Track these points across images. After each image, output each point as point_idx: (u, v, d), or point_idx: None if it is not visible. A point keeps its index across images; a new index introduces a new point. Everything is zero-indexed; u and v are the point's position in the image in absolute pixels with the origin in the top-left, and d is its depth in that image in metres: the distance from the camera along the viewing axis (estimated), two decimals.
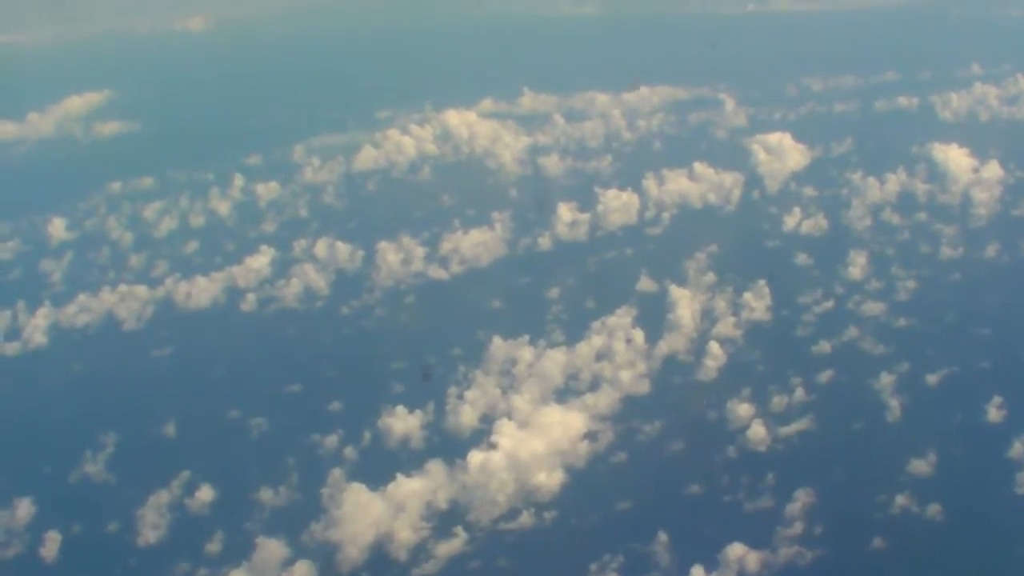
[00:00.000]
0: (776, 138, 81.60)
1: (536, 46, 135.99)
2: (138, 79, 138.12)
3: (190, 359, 57.11)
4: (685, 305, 55.87)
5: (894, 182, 73.22)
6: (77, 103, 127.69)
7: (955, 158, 74.43)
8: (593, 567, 37.02)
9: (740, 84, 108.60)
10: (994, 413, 43.58)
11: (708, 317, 55.82)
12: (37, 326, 61.88)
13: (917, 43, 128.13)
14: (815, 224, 68.52)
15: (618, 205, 73.17)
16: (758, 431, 44.30)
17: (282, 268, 68.14)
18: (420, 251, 68.69)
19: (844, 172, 77.72)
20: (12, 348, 60.37)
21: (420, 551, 38.58)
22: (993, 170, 72.96)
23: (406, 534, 39.10)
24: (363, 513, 39.65)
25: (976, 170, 73.28)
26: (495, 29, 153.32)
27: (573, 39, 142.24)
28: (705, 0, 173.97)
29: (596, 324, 54.40)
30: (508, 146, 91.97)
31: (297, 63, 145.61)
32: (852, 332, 53.12)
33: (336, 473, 43.31)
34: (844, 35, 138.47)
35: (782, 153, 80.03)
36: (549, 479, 41.68)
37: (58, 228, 79.82)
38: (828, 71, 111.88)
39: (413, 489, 40.71)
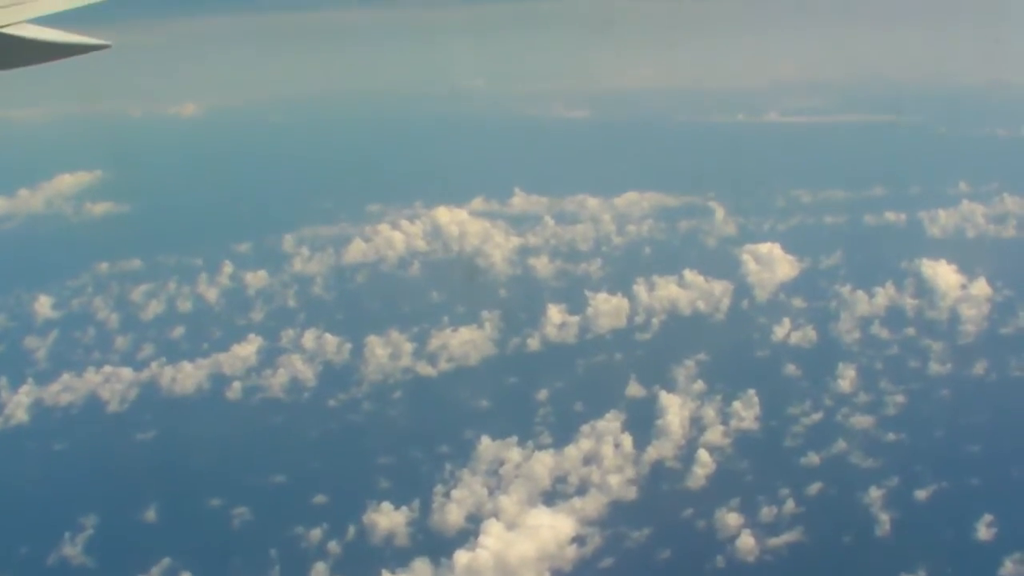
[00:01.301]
0: (766, 248, 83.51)
1: (528, 148, 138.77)
2: (130, 161, 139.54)
3: (174, 444, 57.23)
4: (674, 412, 56.76)
5: (883, 296, 74.93)
6: (68, 182, 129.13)
7: (943, 274, 76.37)
8: None
9: (730, 193, 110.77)
10: (984, 531, 44.23)
11: (697, 425, 56.64)
12: (19, 403, 62.06)
13: (905, 159, 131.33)
14: (804, 335, 69.86)
15: (608, 309, 74.45)
16: (747, 541, 44.76)
17: (269, 357, 68.75)
18: (408, 347, 69.50)
19: (833, 284, 79.36)
20: None
21: None
22: (981, 287, 74.79)
23: None
24: None
25: (964, 287, 75.14)
26: (487, 129, 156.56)
27: (564, 142, 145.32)
28: (695, 109, 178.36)
29: (585, 427, 55.11)
30: (498, 246, 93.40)
31: (289, 153, 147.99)
32: (841, 445, 53.96)
33: (319, 568, 43.46)
34: (833, 149, 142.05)
35: (772, 263, 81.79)
36: None
37: (44, 306, 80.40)
38: (817, 184, 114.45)
39: None
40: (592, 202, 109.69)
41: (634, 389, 61.02)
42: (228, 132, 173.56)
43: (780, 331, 70.49)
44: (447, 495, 49.01)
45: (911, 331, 70.29)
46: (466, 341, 70.40)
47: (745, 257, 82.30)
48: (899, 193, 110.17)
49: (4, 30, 9.17)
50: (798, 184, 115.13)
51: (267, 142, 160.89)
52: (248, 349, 69.47)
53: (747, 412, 57.27)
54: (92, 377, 65.77)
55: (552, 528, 45.30)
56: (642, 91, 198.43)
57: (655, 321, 73.96)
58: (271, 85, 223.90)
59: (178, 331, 76.19)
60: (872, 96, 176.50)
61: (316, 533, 46.12)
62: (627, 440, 53.48)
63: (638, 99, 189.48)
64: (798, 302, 76.46)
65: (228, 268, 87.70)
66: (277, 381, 65.63)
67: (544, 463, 51.58)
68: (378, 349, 68.83)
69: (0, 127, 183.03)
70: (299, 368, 67.14)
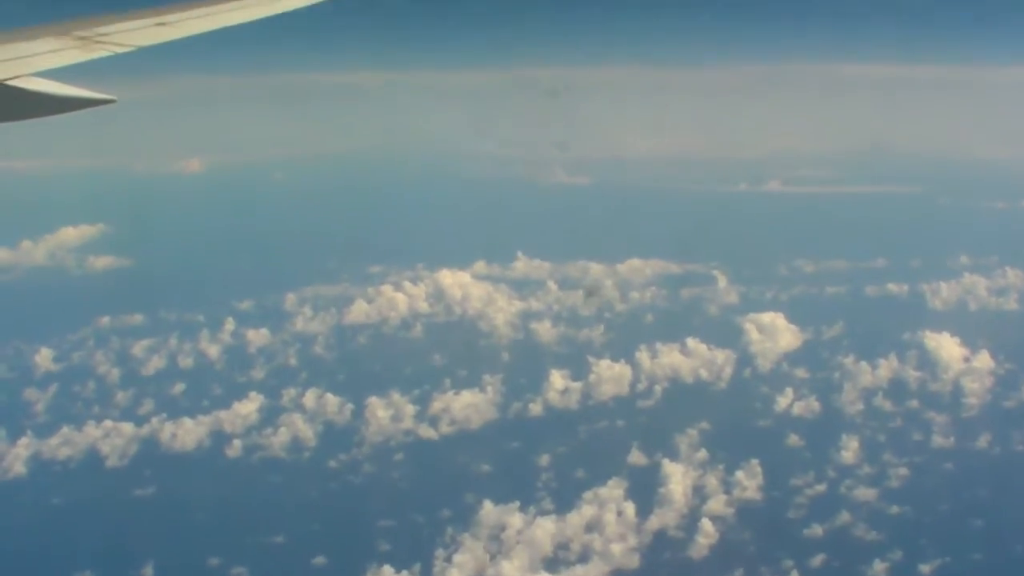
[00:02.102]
0: (769, 318, 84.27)
1: (530, 213, 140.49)
2: (133, 216, 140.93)
3: (172, 501, 57.29)
4: (677, 480, 57.03)
5: (886, 368, 75.50)
6: (71, 235, 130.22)
7: (946, 347, 77.05)
8: None
9: (732, 262, 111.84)
10: None
11: (699, 494, 56.86)
12: (17, 456, 62.18)
13: (906, 231, 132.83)
14: (807, 406, 70.29)
15: (610, 375, 74.96)
16: None
17: (270, 416, 69.03)
18: (410, 409, 69.85)
19: (836, 355, 79.92)
20: None
21: None
22: (984, 360, 75.45)
23: None
24: None
25: (967, 360, 75.81)
26: (489, 193, 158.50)
27: (567, 208, 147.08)
28: (698, 177, 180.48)
29: (587, 494, 55.33)
30: (501, 309, 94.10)
31: (292, 211, 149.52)
32: (844, 517, 54.16)
33: None
34: (834, 220, 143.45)
35: (774, 333, 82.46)
36: None
37: (44, 358, 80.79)
38: (819, 254, 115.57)
39: None
40: (595, 268, 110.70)
41: (636, 457, 61.29)
42: (231, 190, 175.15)
43: (783, 401, 70.93)
44: (448, 559, 49.12)
45: (914, 403, 70.75)
46: (468, 404, 70.76)
47: (748, 326, 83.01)
48: (901, 264, 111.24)
49: (11, 83, 9.45)
50: (800, 254, 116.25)
51: (270, 201, 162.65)
52: (249, 407, 69.77)
53: (750, 482, 57.50)
54: (92, 431, 65.97)
55: None
56: (644, 159, 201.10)
57: (658, 389, 74.39)
58: (274, 144, 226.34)
59: (179, 387, 76.48)
60: (873, 168, 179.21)
61: None
62: (629, 508, 53.69)
63: (640, 167, 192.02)
64: (801, 372, 76.95)
65: (230, 325, 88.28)
66: (278, 440, 65.83)
67: (546, 529, 51.75)
68: (380, 411, 69.15)
69: (4, 179, 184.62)
70: (300, 428, 67.37)
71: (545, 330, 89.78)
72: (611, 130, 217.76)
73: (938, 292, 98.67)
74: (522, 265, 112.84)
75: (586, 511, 53.60)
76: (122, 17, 11.51)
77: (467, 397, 71.71)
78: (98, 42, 10.47)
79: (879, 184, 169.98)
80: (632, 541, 51.43)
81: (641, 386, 74.64)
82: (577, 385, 73.54)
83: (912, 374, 75.27)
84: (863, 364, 75.93)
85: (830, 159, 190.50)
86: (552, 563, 49.31)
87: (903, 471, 60.24)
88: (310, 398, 71.56)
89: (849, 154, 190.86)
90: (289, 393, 72.97)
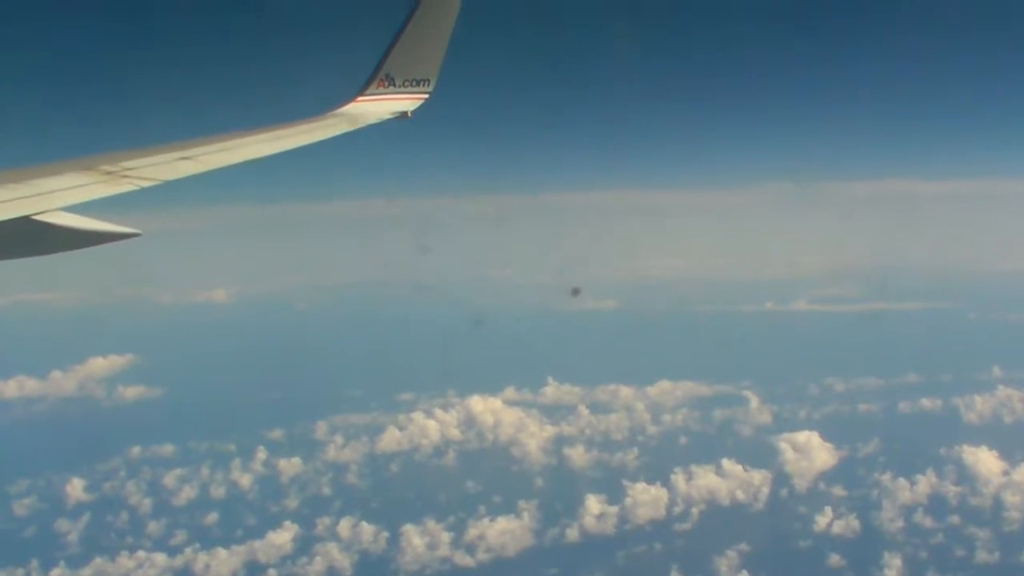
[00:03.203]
0: (803, 437, 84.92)
1: (558, 338, 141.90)
2: (162, 346, 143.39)
3: None
4: None
5: (924, 484, 75.71)
6: (100, 365, 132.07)
7: (984, 461, 77.40)
8: None
9: (763, 382, 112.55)
10: None
11: None
12: None
13: (936, 346, 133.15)
14: (847, 525, 70.43)
15: (646, 499, 75.49)
16: None
17: (304, 546, 69.74)
18: (446, 536, 70.45)
19: (873, 473, 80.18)
20: None
21: None
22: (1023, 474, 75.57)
23: None
24: None
25: (1006, 473, 76.05)
26: (516, 319, 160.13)
27: (594, 332, 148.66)
28: (723, 298, 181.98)
29: None
30: (533, 435, 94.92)
31: (320, 340, 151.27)
32: None
33: None
34: (863, 337, 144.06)
35: (810, 452, 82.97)
36: None
37: (76, 488, 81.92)
38: (850, 372, 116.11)
39: None
40: (625, 391, 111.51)
41: None
42: (257, 319, 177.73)
43: (822, 520, 71.10)
44: None
45: (955, 519, 70.78)
46: (504, 531, 71.25)
47: (782, 446, 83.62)
48: (933, 380, 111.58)
49: (37, 217, 9.66)
50: (831, 372, 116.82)
51: (295, 330, 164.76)
52: (283, 537, 70.50)
53: None
54: (125, 562, 66.88)
55: None
56: (670, 281, 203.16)
57: (694, 511, 74.72)
58: (297, 273, 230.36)
59: (211, 517, 77.33)
60: (899, 284, 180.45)
61: None
62: None
63: (666, 289, 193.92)
64: (838, 491, 77.17)
65: (262, 454, 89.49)
66: (313, 570, 66.43)
67: None
68: (415, 538, 69.73)
69: (32, 310, 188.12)
70: (335, 557, 67.97)
71: (578, 455, 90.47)
72: (636, 253, 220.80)
73: (972, 406, 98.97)
74: (552, 390, 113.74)
75: None
76: (146, 152, 11.85)
77: (502, 524, 72.26)
78: (124, 176, 10.79)
79: (905, 300, 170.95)
80: None
81: (678, 509, 75.04)
82: (613, 509, 74.05)
83: (951, 489, 75.40)
84: (901, 481, 76.20)
85: (855, 276, 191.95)
86: None
87: None
88: (344, 527, 72.27)
89: (874, 271, 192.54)
90: (323, 522, 73.74)
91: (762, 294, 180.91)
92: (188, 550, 69.04)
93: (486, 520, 72.76)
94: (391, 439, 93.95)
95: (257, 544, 69.57)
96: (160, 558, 67.62)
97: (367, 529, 71.51)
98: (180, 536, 72.94)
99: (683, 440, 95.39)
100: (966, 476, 76.61)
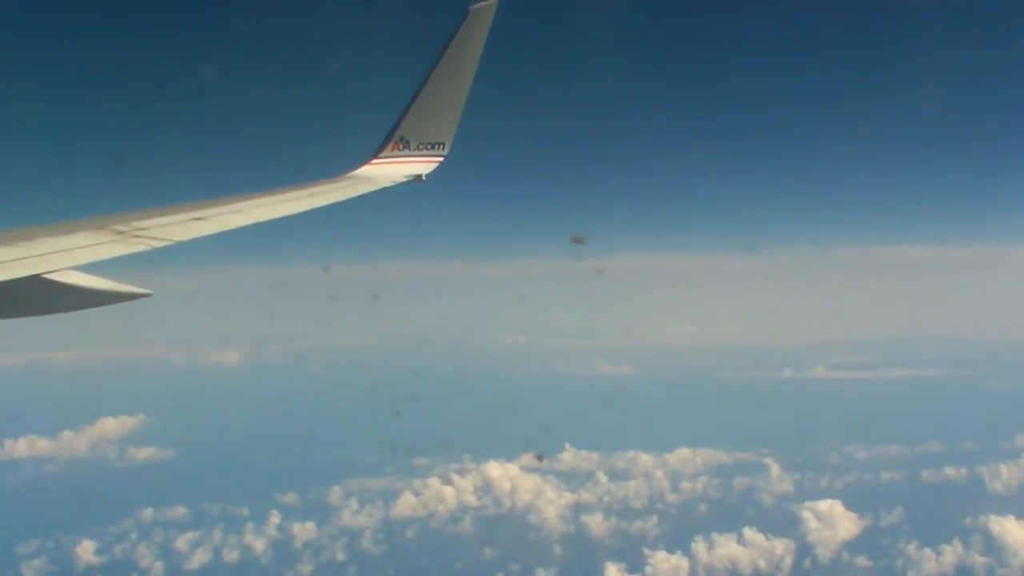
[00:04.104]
0: (826, 506, 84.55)
1: (575, 404, 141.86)
2: (173, 407, 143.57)
3: None
4: None
5: (951, 554, 75.24)
6: (111, 425, 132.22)
7: (1012, 530, 76.95)
8: None
9: (783, 450, 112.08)
10: None
11: None
12: None
13: (958, 414, 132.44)
14: None
15: (667, 568, 75.20)
16: None
17: None
18: None
19: (897, 543, 79.69)
20: None
21: None
22: None
23: None
24: None
25: None
26: (532, 385, 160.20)
27: (612, 398, 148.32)
28: (741, 365, 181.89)
29: None
30: (551, 502, 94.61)
31: (334, 403, 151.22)
32: None
33: None
34: (883, 404, 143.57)
35: (832, 521, 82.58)
36: None
37: (87, 551, 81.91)
38: (871, 440, 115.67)
39: None
40: (644, 458, 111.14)
41: None
42: (271, 381, 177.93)
43: None
44: None
45: None
46: None
47: (805, 514, 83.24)
48: (956, 448, 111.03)
49: (49, 276, 9.66)
50: (851, 440, 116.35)
51: (310, 392, 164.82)
52: None
53: None
54: None
55: None
56: (686, 347, 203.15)
57: None
58: (310, 336, 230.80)
59: None
60: (916, 351, 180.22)
61: None
62: None
63: (683, 355, 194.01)
64: (862, 561, 76.69)
65: (275, 518, 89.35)
66: None
67: None
68: None
69: (44, 370, 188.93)
70: None
71: (597, 522, 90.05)
72: (652, 319, 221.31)
73: (998, 474, 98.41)
74: (570, 457, 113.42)
75: None
76: (159, 212, 11.83)
77: None
78: (136, 236, 10.76)
79: (925, 367, 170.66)
80: None
81: None
82: None
83: (979, 560, 74.90)
84: (926, 551, 75.77)
85: (873, 343, 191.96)
86: None
87: None
88: None
89: (892, 338, 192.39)
90: None
91: (780, 361, 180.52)
92: None
93: None
94: (407, 504, 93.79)
95: None
96: None
97: None
98: None
99: (703, 508, 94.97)
100: (993, 546, 76.13)
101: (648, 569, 74.50)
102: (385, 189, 15.96)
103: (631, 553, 78.36)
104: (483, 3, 15.37)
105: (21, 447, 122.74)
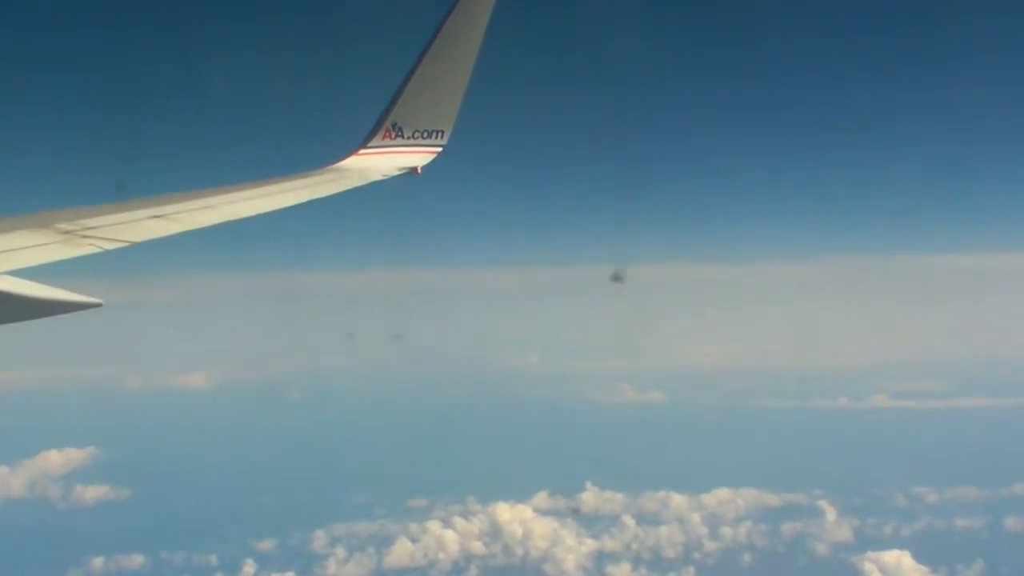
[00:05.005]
0: (892, 557, 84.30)
1: (597, 436, 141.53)
2: (129, 438, 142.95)
3: None
4: None
5: None
6: (55, 460, 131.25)
7: None
8: None
9: (840, 491, 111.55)
10: None
11: None
12: None
13: None
14: None
15: None
16: None
17: None
18: None
19: None
20: None
21: None
22: None
23: None
24: None
25: None
26: (546, 414, 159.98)
27: (639, 430, 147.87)
28: (788, 392, 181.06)
29: None
30: (570, 550, 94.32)
31: (318, 434, 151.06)
32: None
33: None
34: (956, 439, 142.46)
35: (900, 575, 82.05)
36: None
37: None
38: (943, 480, 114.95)
39: None
40: (677, 500, 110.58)
41: None
42: (244, 409, 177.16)
43: None
44: None
45: None
46: None
47: (868, 567, 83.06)
48: None
49: None
50: (920, 480, 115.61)
51: (290, 421, 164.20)
52: None
53: None
54: None
55: None
56: (723, 371, 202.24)
57: None
58: (291, 355, 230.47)
59: None
60: (998, 376, 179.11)
61: None
62: None
63: (720, 380, 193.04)
64: None
65: (250, 568, 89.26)
66: None
67: None
68: None
69: None
70: None
71: (624, 574, 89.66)
72: (684, 337, 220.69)
73: None
74: (591, 497, 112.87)
75: None
76: (112, 208, 11.62)
77: None
78: (84, 236, 10.57)
79: (1005, 396, 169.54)
80: None
81: None
82: None
83: None
84: None
85: (944, 367, 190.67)
86: None
87: None
88: None
89: (967, 360, 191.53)
90: None
91: (834, 387, 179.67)
92: None
93: None
94: (402, 552, 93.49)
95: None
96: None
97: None
98: None
99: (747, 558, 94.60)
100: None
101: None
102: (375, 184, 15.82)
103: None
104: None
105: None
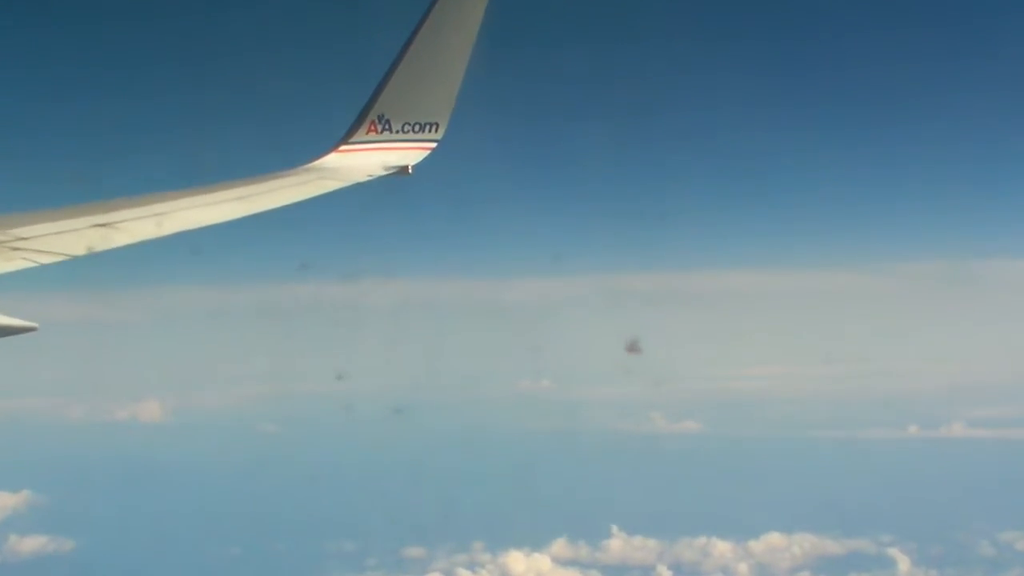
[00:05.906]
0: None
1: (624, 472, 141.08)
2: (72, 480, 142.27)
3: None
4: None
5: None
6: None
7: None
8: None
9: (913, 536, 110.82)
10: None
11: None
12: None
13: None
14: None
15: None
16: None
17: None
18: None
19: None
20: None
21: None
22: None
23: None
24: None
25: None
26: (566, 449, 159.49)
27: (673, 465, 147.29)
28: (847, 419, 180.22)
29: None
30: None
31: (296, 472, 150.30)
32: None
33: None
34: None
35: None
36: None
37: None
38: None
39: None
40: (720, 547, 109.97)
41: None
42: (206, 444, 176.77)
43: None
44: None
45: None
46: None
47: None
48: None
49: None
50: (1007, 524, 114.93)
51: (259, 458, 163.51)
52: None
53: None
54: None
55: None
56: (768, 395, 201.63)
57: None
58: (262, 380, 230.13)
59: None
60: None
61: None
62: None
63: (764, 406, 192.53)
64: None
65: None
66: None
67: None
68: None
69: None
70: None
71: None
72: (722, 357, 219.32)
73: None
74: (619, 544, 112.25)
75: None
76: (50, 215, 11.53)
77: None
78: (16, 248, 10.48)
79: None
80: None
81: None
82: None
83: None
84: None
85: None
86: None
87: None
88: None
89: None
90: None
91: (900, 414, 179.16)
92: None
93: None
94: None
95: None
96: None
97: None
98: None
99: None
100: None
101: None
102: (359, 186, 15.26)
103: None
104: None
105: None
